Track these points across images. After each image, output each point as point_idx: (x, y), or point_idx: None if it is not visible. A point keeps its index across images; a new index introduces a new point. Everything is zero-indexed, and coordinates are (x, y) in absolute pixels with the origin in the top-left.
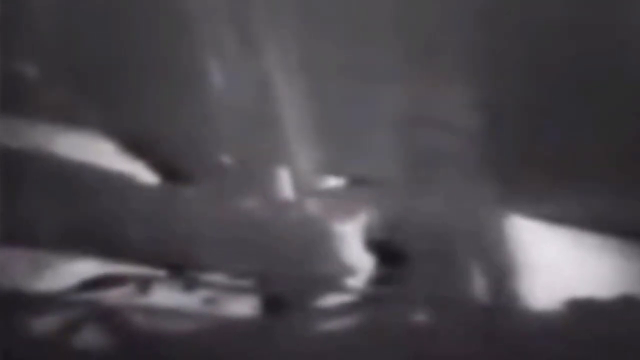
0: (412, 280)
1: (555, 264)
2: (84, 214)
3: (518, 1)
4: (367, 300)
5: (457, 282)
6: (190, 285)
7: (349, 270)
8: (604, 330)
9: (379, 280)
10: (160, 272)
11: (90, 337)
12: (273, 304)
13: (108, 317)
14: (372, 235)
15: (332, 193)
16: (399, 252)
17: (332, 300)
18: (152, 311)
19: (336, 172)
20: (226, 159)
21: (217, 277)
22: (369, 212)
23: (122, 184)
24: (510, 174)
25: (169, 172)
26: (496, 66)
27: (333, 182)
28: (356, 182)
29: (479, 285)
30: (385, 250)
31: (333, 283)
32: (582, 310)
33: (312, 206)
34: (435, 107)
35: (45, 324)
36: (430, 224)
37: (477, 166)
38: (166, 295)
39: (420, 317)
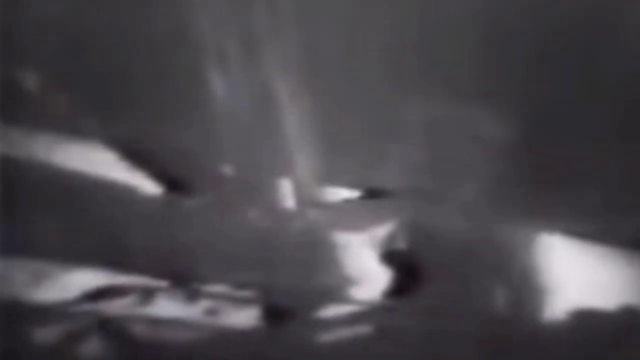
0: (425, 292)
1: (566, 275)
2: (85, 225)
3: (551, 14)
4: (371, 312)
5: (472, 294)
6: (192, 295)
7: (351, 281)
8: (608, 340)
9: (392, 291)
10: (163, 283)
11: (93, 347)
12: (275, 315)
13: (110, 327)
14: (388, 247)
15: (333, 204)
16: (414, 264)
17: (334, 311)
18: (154, 321)
19: (337, 183)
20: (228, 170)
21: (219, 288)
22: (385, 223)
23: (124, 194)
24: (530, 188)
25: (171, 182)
26: (525, 79)
27: (347, 193)
28: (373, 194)
29: (494, 297)
30: (401, 262)
31: (335, 294)
32: (587, 320)
33: (315, 217)
34: (454, 119)
35: (48, 334)
36: (448, 235)
37: (496, 180)
38: (168, 306)
39: (431, 328)
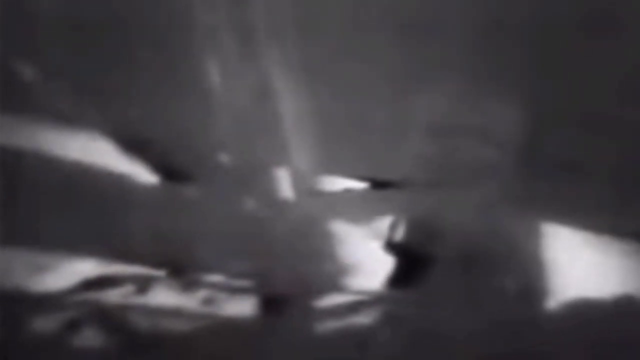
0: (428, 284)
1: (570, 266)
2: (83, 214)
3: (566, 13)
4: (371, 302)
5: (477, 285)
6: (189, 285)
7: (351, 271)
8: (607, 331)
9: (393, 282)
10: (160, 272)
11: (89, 337)
12: (273, 304)
13: (107, 317)
14: (390, 238)
15: (333, 194)
16: (417, 255)
17: (333, 300)
18: (152, 311)
19: (336, 173)
20: (226, 159)
21: (217, 277)
22: (387, 214)
23: (121, 183)
24: (536, 180)
25: (169, 172)
26: (539, 77)
27: (347, 183)
28: (376, 184)
29: (499, 288)
30: (403, 253)
31: (334, 283)
32: (587, 311)
33: (313, 206)
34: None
35: (45, 324)
36: (451, 226)
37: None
38: (165, 295)
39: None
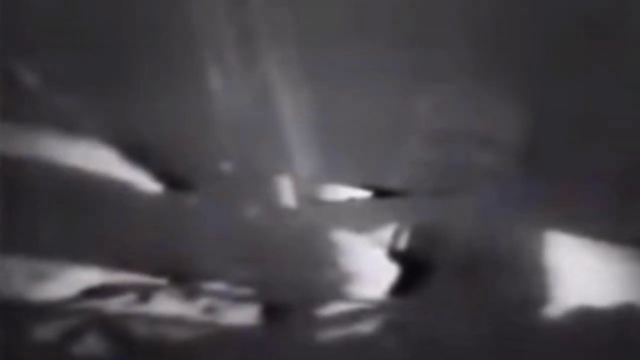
0: (430, 291)
1: (571, 273)
2: (84, 222)
3: (565, 16)
4: (373, 310)
5: (479, 292)
6: (191, 293)
7: (353, 279)
8: (608, 338)
9: (396, 290)
10: (161, 281)
11: (91, 345)
12: (274, 313)
13: (109, 325)
14: (392, 245)
15: (335, 202)
16: (420, 263)
17: (335, 309)
18: (153, 320)
19: (337, 181)
20: (227, 167)
21: (219, 286)
22: (390, 222)
23: (122, 192)
24: (538, 186)
25: (170, 180)
26: (538, 82)
27: (349, 191)
28: (378, 193)
29: (501, 295)
30: (406, 260)
31: (336, 292)
32: (588, 318)
33: (315, 214)
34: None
35: (46, 332)
36: (454, 233)
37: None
38: (167, 304)
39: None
